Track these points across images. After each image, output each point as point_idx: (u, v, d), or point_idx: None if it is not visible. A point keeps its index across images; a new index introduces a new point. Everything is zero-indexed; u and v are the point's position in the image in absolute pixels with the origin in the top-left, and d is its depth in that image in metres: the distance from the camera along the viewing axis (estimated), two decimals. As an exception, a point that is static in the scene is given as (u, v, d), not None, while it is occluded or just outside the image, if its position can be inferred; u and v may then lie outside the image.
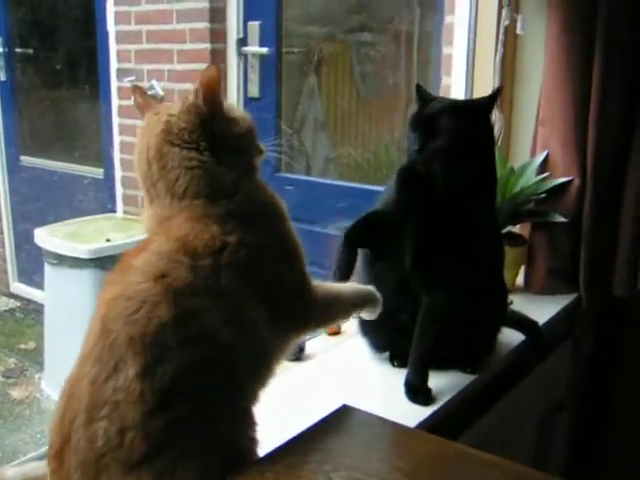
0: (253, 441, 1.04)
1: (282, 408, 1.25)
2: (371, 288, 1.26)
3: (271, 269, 1.06)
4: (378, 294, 1.25)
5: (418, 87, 1.45)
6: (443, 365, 1.52)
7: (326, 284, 1.19)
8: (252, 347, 1.02)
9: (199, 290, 0.97)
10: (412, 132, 1.40)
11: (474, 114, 1.41)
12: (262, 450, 1.06)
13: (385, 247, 1.47)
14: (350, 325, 1.71)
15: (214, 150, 1.06)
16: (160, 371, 0.92)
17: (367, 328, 1.60)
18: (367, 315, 1.26)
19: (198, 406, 0.95)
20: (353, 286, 1.28)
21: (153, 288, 0.95)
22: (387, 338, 1.57)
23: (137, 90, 1.16)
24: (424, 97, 1.43)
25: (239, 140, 1.10)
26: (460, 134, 1.36)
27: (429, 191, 1.40)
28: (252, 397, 1.05)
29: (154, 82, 3.48)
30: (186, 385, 0.94)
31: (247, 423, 1.03)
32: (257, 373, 1.06)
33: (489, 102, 1.44)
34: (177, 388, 0.93)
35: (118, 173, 3.90)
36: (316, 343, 1.69)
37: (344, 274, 1.47)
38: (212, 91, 1.07)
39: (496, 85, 2.17)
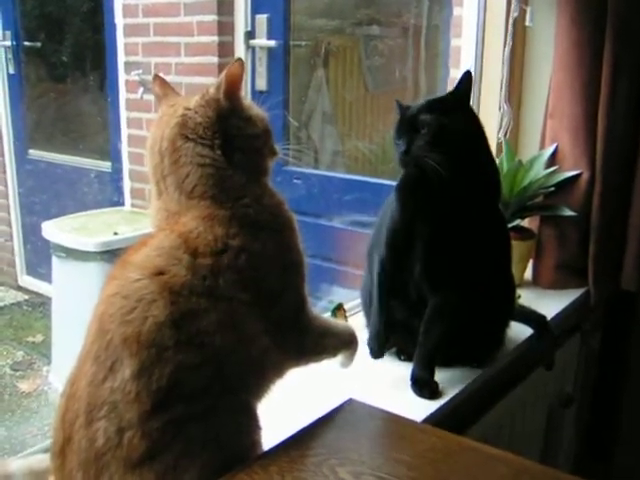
0: (256, 444, 1.03)
1: (288, 401, 1.25)
2: (354, 332, 1.24)
3: (271, 280, 1.04)
4: (358, 341, 1.24)
5: (397, 103, 1.45)
6: (450, 362, 1.51)
7: (320, 315, 1.17)
8: (248, 357, 1.00)
9: (196, 290, 0.95)
10: (397, 139, 1.41)
11: (449, 104, 1.40)
12: (267, 443, 1.05)
13: (398, 258, 1.46)
14: (357, 319, 1.71)
15: (227, 149, 1.04)
16: (157, 372, 0.91)
17: None
18: (345, 361, 1.24)
19: (195, 407, 0.94)
20: (344, 324, 1.28)
21: (150, 285, 0.94)
22: (395, 338, 1.56)
23: (157, 79, 1.15)
24: (403, 108, 1.43)
25: (253, 141, 1.08)
26: (440, 124, 1.36)
27: (430, 198, 1.40)
28: (253, 402, 1.04)
29: (161, 75, 3.48)
30: (182, 386, 0.93)
31: (249, 426, 1.02)
32: (254, 383, 1.04)
33: (459, 89, 1.42)
34: (174, 389, 0.92)
35: (126, 166, 3.89)
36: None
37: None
38: (234, 87, 1.05)
39: (505, 78, 2.16)
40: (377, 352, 1.46)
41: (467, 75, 1.40)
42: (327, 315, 1.72)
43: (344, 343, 1.21)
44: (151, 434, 0.90)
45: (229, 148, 1.04)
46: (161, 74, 3.49)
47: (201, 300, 0.95)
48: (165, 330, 0.92)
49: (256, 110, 1.11)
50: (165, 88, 1.14)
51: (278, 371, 1.08)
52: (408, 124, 1.39)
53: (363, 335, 1.61)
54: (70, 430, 0.94)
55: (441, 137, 1.36)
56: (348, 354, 1.23)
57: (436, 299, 1.44)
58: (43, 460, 1.09)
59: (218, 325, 0.95)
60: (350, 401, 1.18)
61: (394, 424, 1.15)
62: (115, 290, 0.96)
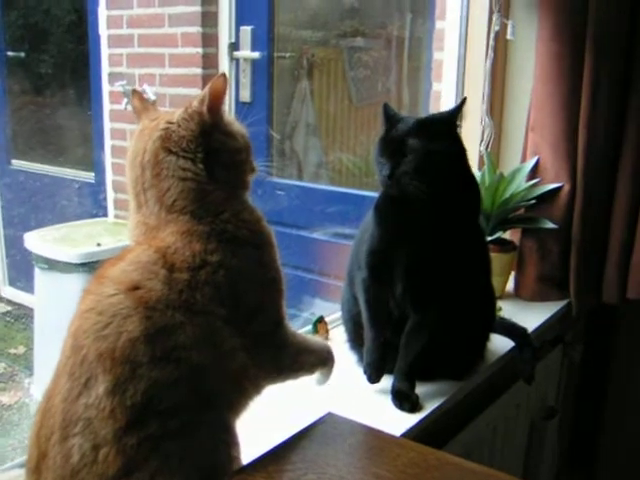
0: (234, 460, 1.02)
1: (266, 414, 1.24)
2: (331, 349, 1.23)
3: (249, 296, 1.04)
4: (334, 358, 1.23)
5: (385, 107, 1.43)
6: (431, 375, 1.51)
7: (297, 332, 1.17)
8: (225, 373, 1.00)
9: (172, 304, 0.94)
10: (380, 157, 1.39)
11: (439, 129, 1.38)
12: (245, 458, 1.05)
13: (380, 278, 1.46)
14: (338, 333, 1.70)
15: (209, 163, 1.04)
16: (131, 388, 0.90)
17: (355, 343, 1.58)
18: (321, 378, 1.23)
19: (171, 424, 0.93)
20: (321, 341, 1.27)
21: (124, 301, 0.93)
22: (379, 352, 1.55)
23: (136, 94, 1.15)
24: (390, 118, 1.41)
25: (235, 155, 1.08)
26: (427, 152, 1.34)
27: (409, 218, 1.40)
28: (230, 417, 1.03)
29: (145, 87, 3.47)
30: (158, 403, 0.92)
31: (227, 442, 1.01)
32: (231, 400, 1.03)
33: (453, 115, 1.42)
34: (149, 405, 0.91)
35: (109, 177, 3.88)
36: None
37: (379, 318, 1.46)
38: (218, 101, 1.06)
39: (486, 91, 2.17)
40: (375, 379, 1.45)
41: (464, 101, 1.43)
42: (308, 328, 1.72)
43: (321, 360, 1.20)
44: (126, 451, 0.90)
45: (211, 162, 1.04)
46: (145, 85, 3.47)
47: (177, 314, 0.94)
48: (139, 346, 0.91)
49: (237, 126, 1.12)
50: (145, 102, 1.14)
51: (256, 387, 1.07)
52: (394, 145, 1.36)
53: (343, 349, 1.62)
54: (45, 446, 0.94)
55: (427, 165, 1.34)
56: (325, 372, 1.23)
57: (417, 316, 1.44)
58: (20, 476, 1.08)
59: (195, 340, 0.95)
60: (329, 415, 1.18)
61: (373, 438, 1.15)
62: (90, 305, 0.95)
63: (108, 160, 3.87)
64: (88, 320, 0.94)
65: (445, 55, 2.28)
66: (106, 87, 3.82)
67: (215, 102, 1.05)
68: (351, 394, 1.45)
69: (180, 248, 0.98)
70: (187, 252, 0.98)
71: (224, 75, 1.06)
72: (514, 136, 2.21)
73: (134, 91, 1.16)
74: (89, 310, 0.95)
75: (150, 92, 3.46)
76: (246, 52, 3.27)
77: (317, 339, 1.34)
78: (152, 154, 1.04)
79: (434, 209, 1.37)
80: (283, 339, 1.10)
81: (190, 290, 0.96)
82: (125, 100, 3.56)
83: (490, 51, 2.14)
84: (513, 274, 2.11)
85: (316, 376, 1.22)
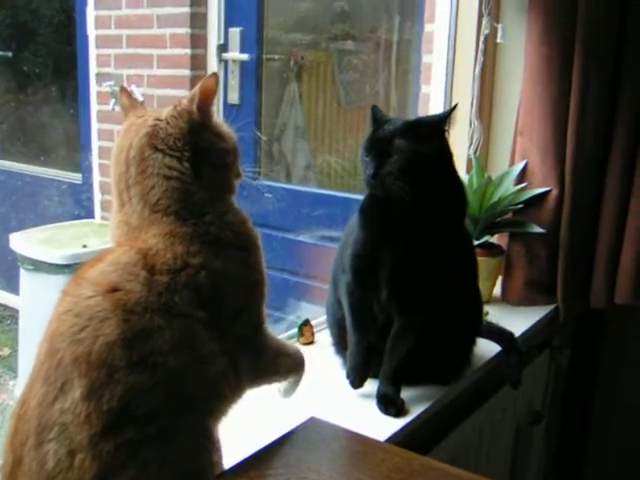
0: (214, 465, 1.01)
1: (248, 419, 1.22)
2: (303, 357, 1.21)
3: (233, 298, 1.03)
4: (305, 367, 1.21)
5: (374, 109, 1.43)
6: (417, 379, 1.49)
7: (274, 335, 1.15)
8: (204, 378, 0.98)
9: (151, 306, 0.93)
10: (366, 156, 1.38)
11: (426, 132, 1.38)
12: (227, 463, 1.03)
13: (364, 282, 1.44)
14: (324, 336, 1.69)
15: (195, 162, 1.02)
16: (107, 393, 0.88)
17: (340, 347, 1.57)
18: (288, 388, 1.21)
19: (148, 429, 0.91)
20: (295, 347, 1.26)
21: (102, 303, 0.91)
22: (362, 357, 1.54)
23: (124, 92, 1.13)
24: (378, 119, 1.40)
25: (223, 156, 1.07)
26: (413, 154, 1.33)
27: (394, 221, 1.38)
28: (210, 423, 1.01)
29: (133, 87, 3.45)
30: (134, 408, 0.90)
31: (207, 448, 0.99)
32: (211, 405, 1.01)
33: (442, 119, 1.41)
34: (125, 410, 0.89)
35: (96, 178, 3.86)
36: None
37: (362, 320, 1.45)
38: (208, 100, 1.05)
39: (475, 94, 2.16)
40: (358, 383, 1.43)
41: (455, 108, 1.43)
42: (294, 331, 1.71)
43: (296, 365, 1.19)
44: (102, 456, 0.88)
45: (198, 162, 1.03)
46: (133, 86, 3.43)
47: (155, 317, 0.92)
48: (116, 350, 0.89)
49: (226, 127, 1.11)
50: (132, 100, 1.13)
51: (235, 392, 1.05)
52: (381, 145, 1.36)
53: (329, 353, 1.60)
54: (20, 451, 0.92)
55: (412, 166, 1.34)
56: (295, 379, 1.20)
57: (403, 322, 1.43)
58: (-3, 480, 1.06)
59: (172, 344, 0.93)
60: (312, 420, 1.16)
61: (356, 443, 1.14)
62: (67, 307, 0.93)
63: (95, 161, 3.85)
64: (65, 323, 0.92)
65: (434, 58, 2.27)
66: (94, 88, 3.80)
67: (205, 101, 1.04)
68: (335, 398, 1.44)
69: (162, 250, 0.97)
70: (168, 254, 0.97)
71: (215, 74, 1.05)
72: (503, 140, 2.21)
73: (122, 88, 1.14)
74: (66, 312, 0.93)
75: (138, 93, 3.43)
76: (235, 54, 3.26)
77: (291, 344, 1.33)
78: (138, 150, 1.03)
79: (418, 211, 1.36)
80: (263, 342, 1.09)
81: (169, 292, 0.94)
82: (113, 101, 3.54)
83: (479, 54, 2.13)
84: (500, 278, 2.10)
85: (284, 385, 1.20)
